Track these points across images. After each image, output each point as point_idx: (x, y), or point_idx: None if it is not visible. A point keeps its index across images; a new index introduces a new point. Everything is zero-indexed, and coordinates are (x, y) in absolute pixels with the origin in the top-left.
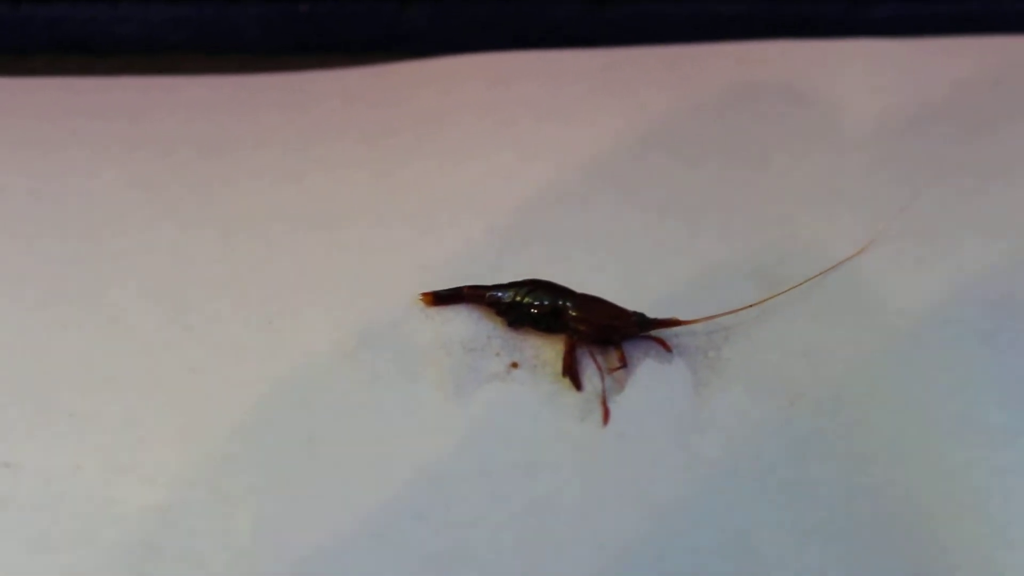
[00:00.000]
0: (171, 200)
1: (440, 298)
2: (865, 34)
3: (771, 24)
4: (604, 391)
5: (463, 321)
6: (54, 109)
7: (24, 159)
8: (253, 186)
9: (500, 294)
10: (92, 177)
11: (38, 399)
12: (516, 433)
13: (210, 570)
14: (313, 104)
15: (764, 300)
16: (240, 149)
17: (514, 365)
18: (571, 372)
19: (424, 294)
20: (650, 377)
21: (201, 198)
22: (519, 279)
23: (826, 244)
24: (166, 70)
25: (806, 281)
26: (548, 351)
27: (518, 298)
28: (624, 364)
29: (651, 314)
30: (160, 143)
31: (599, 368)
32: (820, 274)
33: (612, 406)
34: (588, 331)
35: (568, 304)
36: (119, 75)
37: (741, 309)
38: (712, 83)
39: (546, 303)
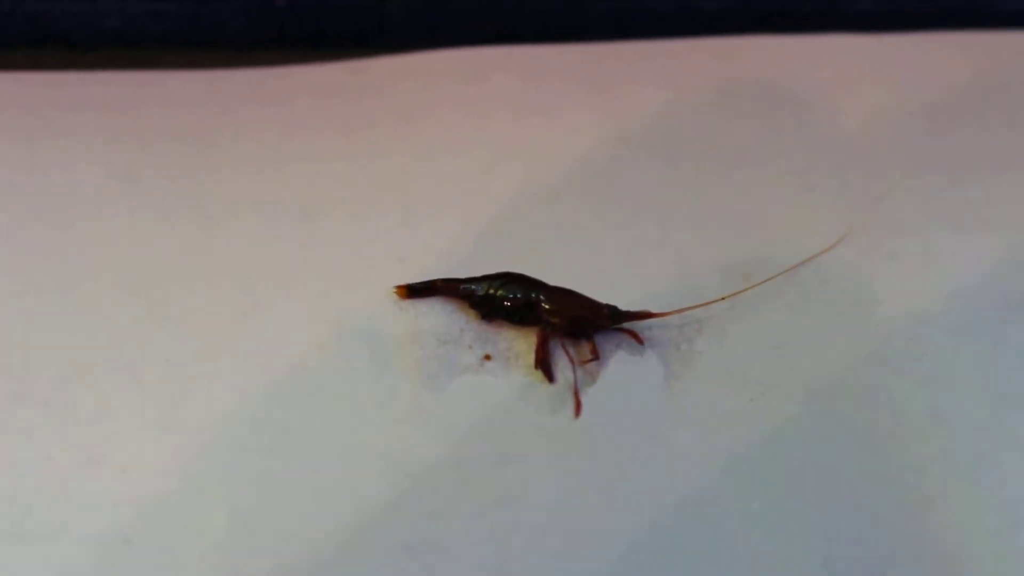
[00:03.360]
0: (149, 192)
1: (414, 291)
2: (842, 29)
3: (749, 19)
4: (576, 383)
5: (437, 314)
6: (34, 103)
7: (3, 151)
8: (230, 179)
9: (474, 287)
10: (71, 170)
11: (12, 390)
12: (489, 425)
13: (184, 562)
14: (292, 98)
15: (736, 293)
16: (218, 142)
17: (487, 357)
18: (543, 364)
19: (398, 287)
20: (622, 370)
21: (179, 191)
22: (493, 272)
23: (799, 238)
24: (146, 64)
25: (779, 274)
26: (521, 344)
27: (491, 291)
28: (596, 357)
29: (624, 307)
30: (139, 136)
31: (571, 360)
32: (793, 267)
33: (584, 398)
34: (561, 324)
35: (541, 297)
36: (99, 69)
37: (713, 302)
38: (690, 78)
39: (519, 296)
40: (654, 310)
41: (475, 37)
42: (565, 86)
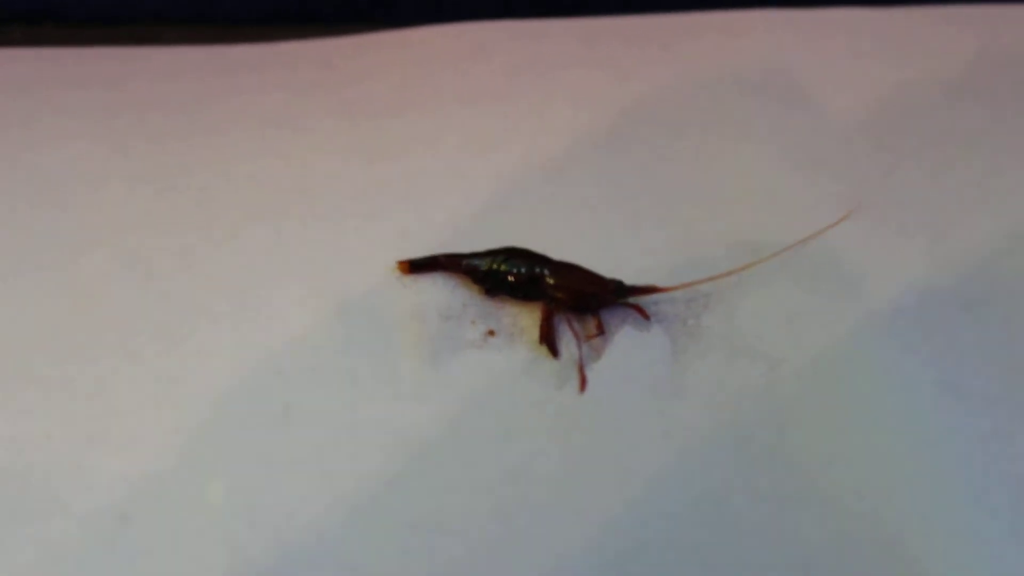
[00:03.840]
0: (147, 169)
1: (416, 266)
2: (848, 4)
3: None
4: (581, 359)
5: (439, 289)
6: (31, 79)
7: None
8: (229, 153)
9: (476, 262)
10: (68, 146)
11: (9, 367)
12: (493, 401)
13: (183, 539)
14: (291, 74)
15: (744, 267)
16: (216, 117)
17: (491, 333)
18: (548, 340)
19: (400, 262)
20: (628, 345)
21: (176, 165)
22: (496, 247)
23: (807, 212)
24: (142, 40)
25: (786, 249)
26: (525, 319)
27: (495, 266)
28: (602, 332)
29: (629, 282)
30: (137, 112)
31: (576, 336)
32: (800, 242)
33: (590, 374)
34: (565, 298)
35: (545, 272)
36: (95, 45)
37: (720, 276)
38: (695, 53)
39: (523, 271)
40: (660, 285)
41: (475, 12)
42: (568, 61)
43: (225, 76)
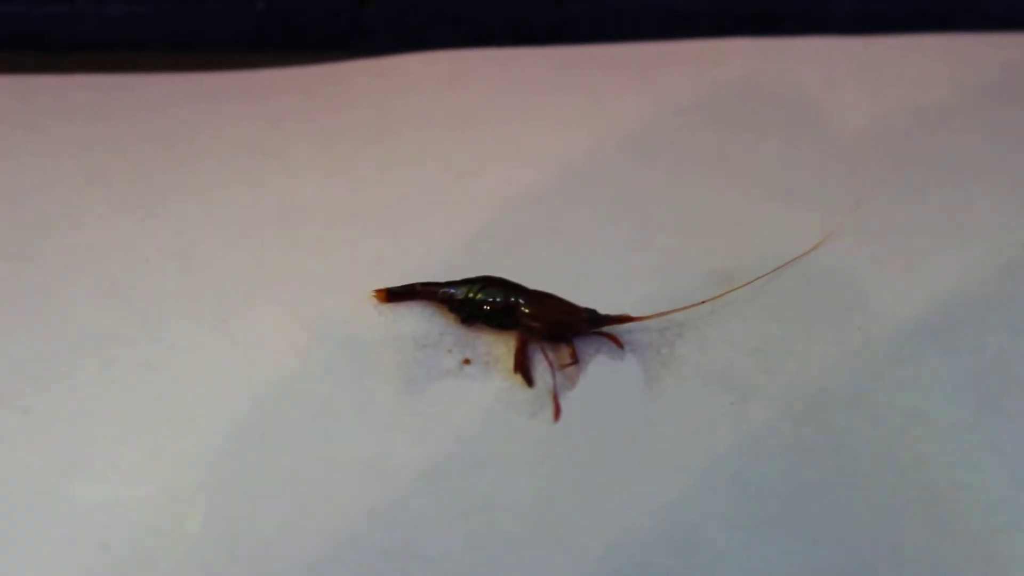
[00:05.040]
0: (127, 197)
1: (393, 295)
2: (824, 32)
3: (730, 22)
4: (555, 387)
5: (416, 318)
6: (10, 107)
7: None
8: (209, 183)
9: (453, 291)
10: (48, 174)
11: None
12: (468, 429)
13: (161, 567)
14: (271, 101)
15: (717, 296)
16: (196, 146)
17: (466, 361)
18: (523, 368)
19: (377, 291)
20: (602, 373)
21: (156, 195)
22: (473, 276)
23: (780, 240)
24: (124, 68)
25: (760, 277)
26: (500, 347)
27: (471, 295)
28: (576, 360)
29: (604, 311)
30: (118, 140)
31: (550, 364)
32: (774, 271)
33: (564, 402)
34: (540, 327)
35: (520, 301)
36: (76, 72)
37: (694, 305)
38: (670, 81)
39: (498, 300)
40: (635, 314)
41: (453, 40)
42: (545, 89)
43: (204, 103)
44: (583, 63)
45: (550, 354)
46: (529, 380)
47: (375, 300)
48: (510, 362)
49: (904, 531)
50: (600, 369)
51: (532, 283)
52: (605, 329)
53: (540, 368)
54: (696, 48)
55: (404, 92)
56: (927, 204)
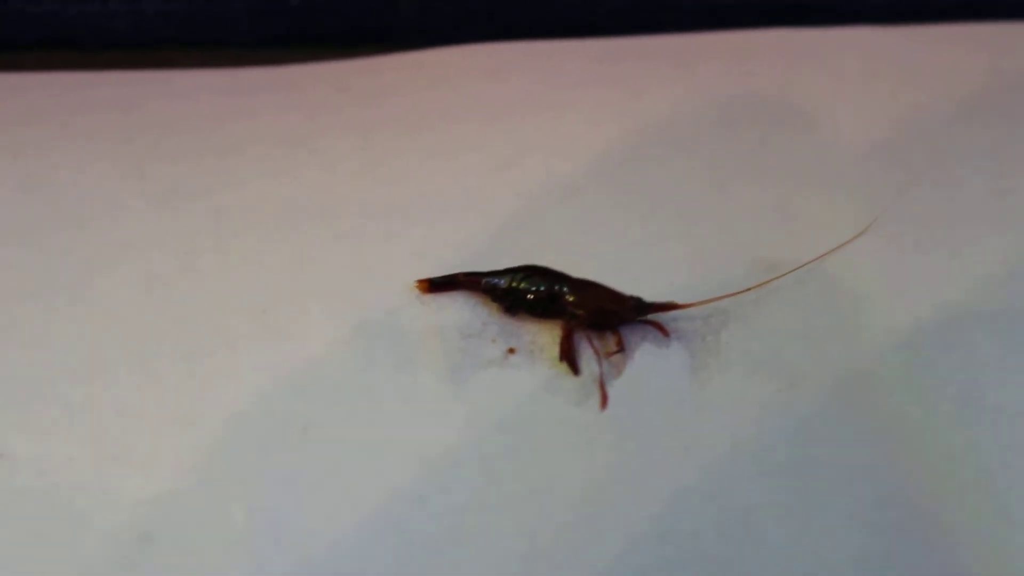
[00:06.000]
0: (163, 192)
1: (435, 285)
2: (861, 22)
3: (767, 13)
4: (602, 375)
5: (459, 308)
6: (45, 104)
7: (15, 153)
8: (246, 177)
9: (496, 280)
10: (84, 169)
11: (31, 389)
12: (514, 418)
13: (205, 559)
14: (305, 96)
15: (762, 284)
16: (232, 140)
17: (511, 351)
18: (568, 357)
19: (419, 281)
20: (648, 362)
21: (194, 189)
22: (515, 265)
23: (824, 228)
24: (157, 64)
25: (804, 264)
26: (545, 337)
27: (514, 284)
28: (622, 349)
29: (648, 299)
30: (152, 135)
31: (596, 353)
32: (818, 258)
33: (610, 391)
34: (585, 316)
35: (565, 289)
36: (110, 70)
37: (739, 293)
38: (708, 72)
39: (542, 288)
40: (679, 302)
41: (489, 34)
42: (582, 80)
43: (240, 98)
44: (620, 55)
45: (596, 342)
46: (575, 368)
47: (417, 291)
48: (555, 351)
49: (957, 517)
50: (646, 357)
51: (573, 271)
52: (650, 317)
53: (586, 356)
54: (734, 39)
55: (440, 85)
56: (969, 192)
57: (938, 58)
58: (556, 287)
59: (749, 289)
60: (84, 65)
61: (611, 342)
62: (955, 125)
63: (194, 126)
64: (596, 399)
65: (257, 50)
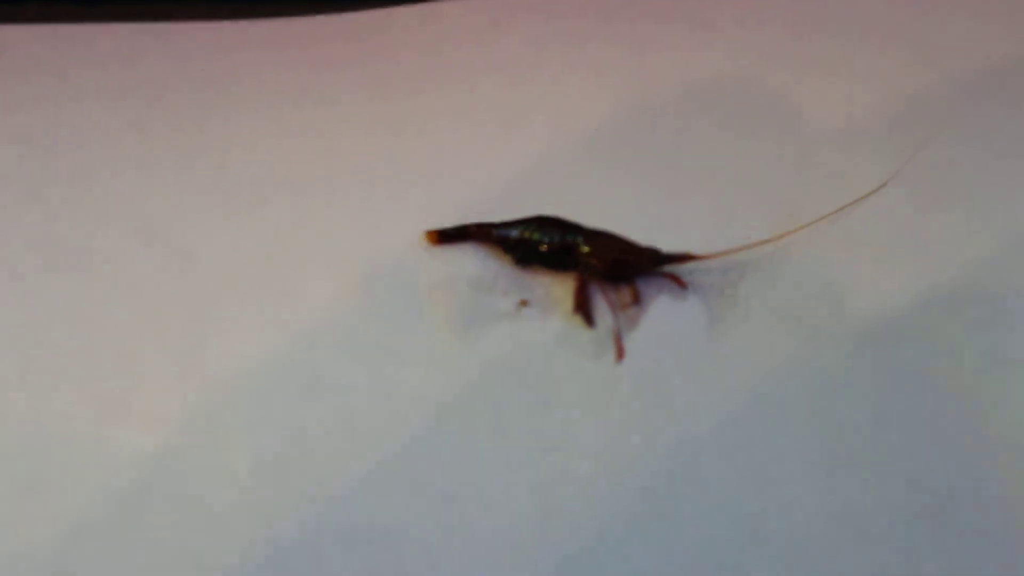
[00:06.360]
0: (165, 143)
1: (445, 236)
2: None
3: None
4: (618, 328)
5: (469, 260)
6: (45, 56)
7: (15, 105)
8: (250, 131)
9: (508, 231)
10: (84, 122)
11: (30, 343)
12: (528, 372)
13: (210, 511)
14: (312, 50)
15: (782, 236)
16: (237, 95)
17: (523, 303)
18: (583, 309)
19: (429, 232)
20: (665, 314)
21: (196, 140)
22: (527, 216)
23: (845, 179)
24: (159, 16)
25: (824, 217)
26: (558, 289)
27: (526, 235)
28: (638, 301)
29: (665, 250)
30: (153, 88)
31: (611, 305)
32: (838, 210)
33: (626, 344)
34: (600, 267)
35: (578, 240)
36: (110, 21)
37: (758, 244)
38: (722, 21)
39: (555, 239)
40: (696, 253)
41: None
42: (596, 30)
43: (243, 51)
44: (628, 7)
45: (611, 295)
46: (590, 321)
47: (426, 243)
48: (569, 303)
49: (983, 474)
50: (663, 310)
51: (587, 222)
52: (667, 269)
53: (600, 309)
54: None
55: (447, 38)
56: (996, 140)
57: (960, 10)
58: (570, 238)
59: (768, 241)
60: (84, 17)
61: (627, 294)
62: (979, 77)
63: (196, 81)
64: (611, 353)
65: (262, 3)
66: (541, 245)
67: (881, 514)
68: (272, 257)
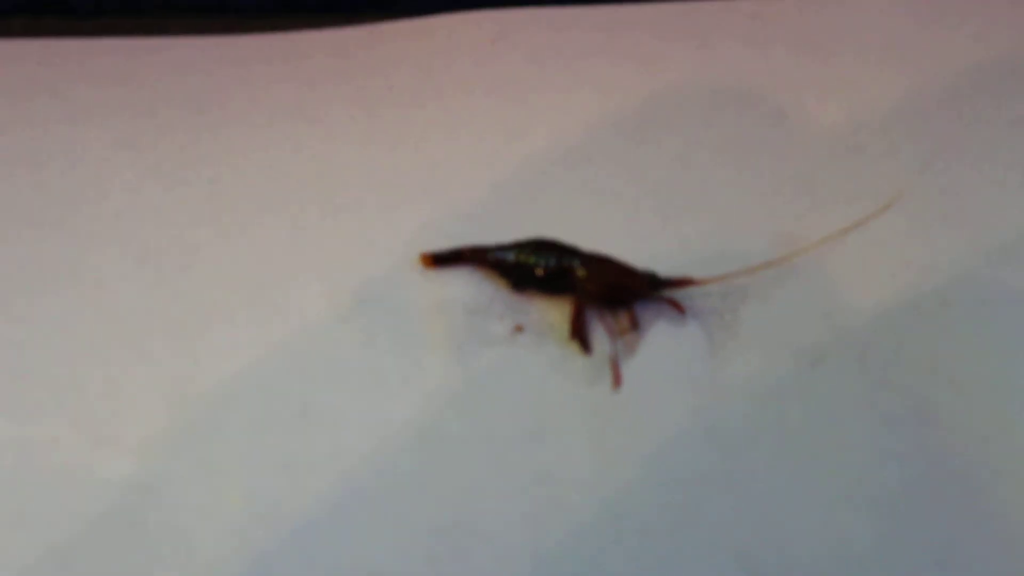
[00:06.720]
0: (156, 162)
1: (440, 259)
2: None
3: None
4: (615, 354)
5: (464, 283)
6: (34, 72)
7: (3, 122)
8: (243, 148)
9: (503, 254)
10: (74, 139)
11: (15, 368)
12: (522, 399)
13: (198, 546)
14: (306, 64)
15: (783, 259)
16: (229, 111)
17: (519, 328)
18: (579, 335)
19: (423, 255)
20: (663, 340)
21: (187, 159)
22: (523, 239)
23: (847, 202)
24: (149, 31)
25: (826, 240)
26: (554, 313)
27: (522, 258)
28: (636, 327)
29: (663, 274)
30: (145, 105)
31: (609, 331)
32: (840, 233)
33: (623, 371)
34: (597, 292)
35: (575, 264)
36: (101, 36)
37: (758, 268)
38: (725, 37)
39: (552, 263)
40: (695, 277)
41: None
42: (593, 47)
43: (236, 67)
44: (632, 22)
45: (608, 320)
46: (586, 347)
47: (420, 266)
48: (565, 329)
49: (986, 505)
50: (661, 336)
51: (584, 245)
52: (665, 293)
53: (597, 335)
54: (748, 5)
55: (445, 53)
56: (996, 164)
57: (967, 23)
58: (566, 261)
59: (768, 265)
60: (73, 32)
61: (624, 319)
62: (980, 96)
63: (188, 97)
64: (607, 379)
65: (255, 17)
66: (537, 269)
67: (883, 550)
68: (263, 279)
